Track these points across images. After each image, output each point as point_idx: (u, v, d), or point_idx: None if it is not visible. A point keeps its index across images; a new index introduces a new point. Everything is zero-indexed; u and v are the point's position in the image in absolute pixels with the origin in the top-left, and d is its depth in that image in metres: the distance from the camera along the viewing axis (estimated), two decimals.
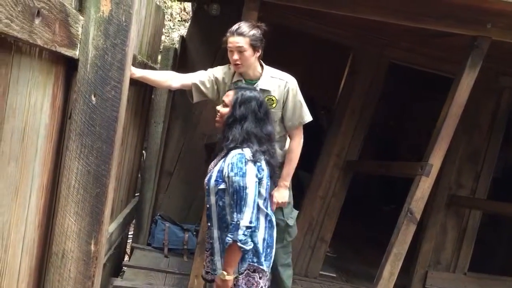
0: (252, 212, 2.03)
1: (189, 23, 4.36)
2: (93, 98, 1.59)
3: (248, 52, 2.55)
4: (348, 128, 4.18)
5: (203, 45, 4.06)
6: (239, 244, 1.99)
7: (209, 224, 2.22)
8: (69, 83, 1.63)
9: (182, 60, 4.01)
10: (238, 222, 2.00)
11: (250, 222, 2.02)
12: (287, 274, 3.09)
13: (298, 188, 5.38)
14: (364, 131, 4.26)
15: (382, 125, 6.90)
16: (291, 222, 2.97)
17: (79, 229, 1.62)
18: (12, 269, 1.40)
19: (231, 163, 2.05)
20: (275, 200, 2.78)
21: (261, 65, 2.72)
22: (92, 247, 1.64)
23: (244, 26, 2.57)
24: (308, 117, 2.78)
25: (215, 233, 2.19)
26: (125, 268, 3.62)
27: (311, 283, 4.18)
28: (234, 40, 2.54)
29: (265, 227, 2.21)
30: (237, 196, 2.02)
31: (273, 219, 2.29)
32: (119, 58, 1.61)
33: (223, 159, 2.15)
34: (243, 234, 1.99)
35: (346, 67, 4.30)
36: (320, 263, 4.30)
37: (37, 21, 1.16)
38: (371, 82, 4.17)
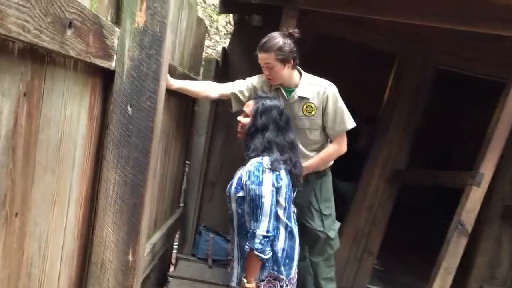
0: (269, 222, 2.00)
1: (231, 34, 4.36)
2: (129, 109, 1.60)
3: (277, 67, 2.53)
4: (394, 137, 4.05)
5: (244, 56, 4.05)
6: (256, 253, 1.99)
7: (232, 230, 2.23)
8: (106, 94, 1.65)
9: (224, 71, 4.02)
10: (255, 231, 2.00)
11: (267, 231, 2.00)
12: None
13: (340, 200, 5.29)
14: (411, 140, 4.11)
15: (435, 133, 6.66)
16: (333, 234, 2.89)
17: (117, 239, 1.63)
18: (50, 280, 1.41)
19: (249, 171, 2.05)
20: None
21: (299, 72, 2.67)
22: (130, 257, 1.64)
23: (270, 40, 2.52)
24: (350, 124, 2.71)
25: (236, 240, 2.20)
26: (170, 278, 3.63)
27: None
28: (261, 57, 2.54)
29: (285, 237, 2.17)
30: (253, 204, 2.01)
31: (295, 230, 2.24)
32: (154, 68, 1.62)
33: (243, 167, 2.16)
34: (260, 243, 1.99)
35: (391, 74, 4.17)
36: (367, 276, 4.16)
37: (69, 32, 1.17)
38: (417, 89, 4.03)
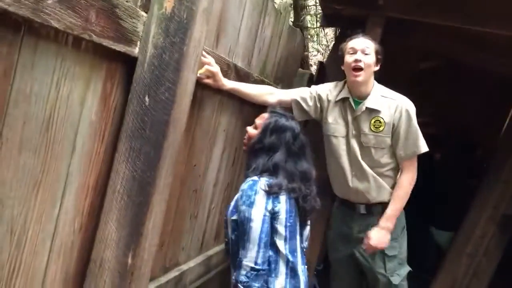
0: (258, 251, 1.67)
1: (330, 48, 4.13)
2: (147, 99, 1.49)
3: (372, 57, 2.28)
4: (511, 176, 3.43)
5: (342, 71, 3.79)
6: (239, 286, 1.67)
7: (229, 260, 1.93)
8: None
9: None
10: (241, 259, 1.68)
11: (256, 263, 1.66)
12: None
13: (435, 252, 4.66)
14: None
15: None
16: (396, 280, 2.45)
17: (118, 238, 1.51)
18: (31, 269, 1.32)
19: (242, 190, 1.75)
20: (371, 242, 2.33)
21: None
22: (129, 260, 1.51)
23: (368, 35, 2.37)
24: (424, 147, 2.31)
25: (232, 270, 1.87)
26: None
27: None
28: (360, 41, 2.31)
29: (286, 274, 1.78)
30: (241, 228, 1.70)
31: (299, 269, 1.83)
32: (176, 57, 1.49)
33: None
34: (246, 276, 1.66)
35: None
36: None
37: (49, 0, 1.08)
38: None
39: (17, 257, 1.26)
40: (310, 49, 7.09)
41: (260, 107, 3.00)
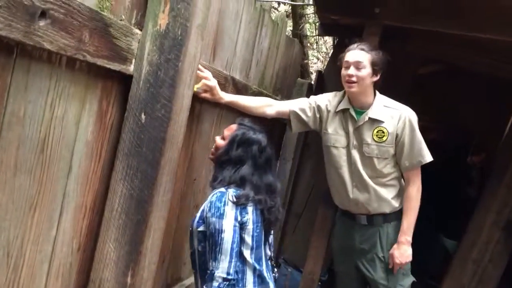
0: (230, 262, 1.66)
1: (329, 58, 4.13)
2: (143, 117, 1.48)
3: (367, 70, 2.23)
4: None
5: (341, 81, 3.78)
6: None
7: (194, 271, 1.88)
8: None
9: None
10: (213, 272, 1.66)
11: (228, 274, 1.65)
12: None
13: (439, 254, 4.62)
14: None
15: None
16: None
17: (117, 257, 1.49)
18: None
19: (210, 202, 1.73)
20: (396, 260, 2.32)
21: (374, 93, 2.35)
22: (129, 280, 1.49)
23: (366, 44, 2.30)
24: (429, 157, 2.29)
25: (199, 282, 1.84)
26: None
27: None
28: (353, 54, 2.25)
29: (254, 282, 1.78)
30: (212, 240, 1.68)
31: (267, 276, 1.84)
32: (171, 74, 1.48)
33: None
34: (218, 287, 1.64)
35: None
36: None
37: (42, 22, 1.08)
38: None
39: (14, 280, 1.25)
40: (310, 57, 7.08)
41: (260, 119, 3.00)
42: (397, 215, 2.42)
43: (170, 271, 2.10)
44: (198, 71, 1.85)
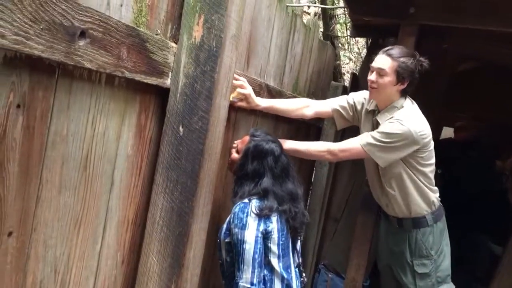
0: (253, 272, 1.67)
1: (363, 59, 4.07)
2: (181, 129, 1.49)
3: (389, 78, 2.16)
4: None
5: None
6: None
7: (223, 281, 1.89)
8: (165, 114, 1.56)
9: None
10: (237, 282, 1.68)
11: (252, 284, 1.66)
12: None
13: (484, 257, 4.45)
14: None
15: None
16: None
17: (160, 270, 1.50)
18: None
19: (234, 213, 1.74)
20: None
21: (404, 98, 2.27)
22: None
23: (397, 49, 2.20)
24: (380, 161, 2.20)
25: None
26: None
27: None
28: (378, 59, 2.20)
29: None
30: (235, 250, 1.70)
31: (294, 283, 1.83)
32: (208, 86, 1.48)
33: None
34: None
35: None
36: None
37: (81, 42, 1.09)
38: None
39: None
40: (342, 58, 7.01)
41: (297, 123, 2.98)
42: (427, 221, 2.37)
43: (212, 282, 2.10)
44: (236, 79, 1.89)
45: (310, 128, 3.47)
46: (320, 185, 3.67)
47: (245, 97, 2.01)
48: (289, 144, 2.18)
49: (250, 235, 1.70)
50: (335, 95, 3.60)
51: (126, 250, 1.52)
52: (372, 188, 2.58)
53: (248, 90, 2.00)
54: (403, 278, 2.48)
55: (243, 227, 1.70)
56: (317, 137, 3.67)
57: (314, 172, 3.79)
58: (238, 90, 1.96)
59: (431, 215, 2.39)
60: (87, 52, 1.12)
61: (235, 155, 1.92)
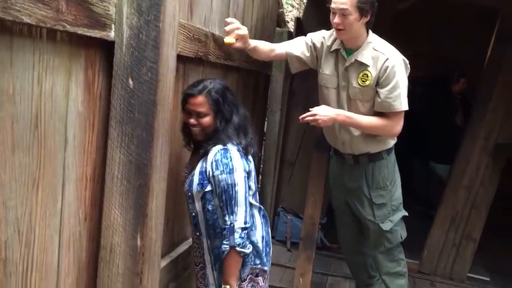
0: (246, 211, 1.75)
1: (305, 3, 4.07)
2: (130, 82, 1.48)
3: (353, 16, 2.19)
4: (498, 105, 3.46)
5: (321, 26, 3.74)
6: (238, 249, 1.73)
7: (197, 234, 1.93)
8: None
9: None
10: (232, 225, 1.73)
11: (245, 223, 1.74)
12: (396, 284, 2.65)
13: (433, 184, 4.76)
14: None
15: None
16: (387, 226, 2.52)
17: (124, 222, 1.53)
18: (44, 264, 1.34)
19: (215, 161, 1.76)
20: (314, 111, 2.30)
21: (367, 32, 2.34)
22: (139, 242, 1.54)
23: None
24: (401, 106, 2.30)
25: (205, 243, 1.89)
26: None
27: (457, 287, 3.60)
28: (338, 0, 2.21)
29: (261, 223, 1.94)
30: (226, 196, 1.74)
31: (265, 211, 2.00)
32: (154, 36, 1.47)
33: (202, 160, 1.84)
34: (240, 237, 1.72)
35: (493, 34, 3.57)
36: (467, 264, 3.67)
37: None
38: None
39: (28, 255, 1.28)
40: (285, 5, 6.96)
41: (246, 71, 3.00)
42: (382, 155, 2.49)
43: (176, 230, 2.16)
44: (229, 22, 2.13)
45: (259, 76, 3.50)
46: (273, 133, 3.75)
47: (242, 37, 2.14)
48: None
49: (239, 177, 1.74)
50: (280, 41, 3.61)
51: (88, 207, 1.53)
52: (328, 129, 2.62)
53: (245, 31, 2.13)
54: (362, 211, 2.60)
55: (231, 171, 1.73)
56: (266, 84, 3.71)
57: (266, 119, 3.85)
58: (236, 31, 2.12)
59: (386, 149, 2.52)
60: (24, 6, 1.08)
61: (205, 119, 1.82)
